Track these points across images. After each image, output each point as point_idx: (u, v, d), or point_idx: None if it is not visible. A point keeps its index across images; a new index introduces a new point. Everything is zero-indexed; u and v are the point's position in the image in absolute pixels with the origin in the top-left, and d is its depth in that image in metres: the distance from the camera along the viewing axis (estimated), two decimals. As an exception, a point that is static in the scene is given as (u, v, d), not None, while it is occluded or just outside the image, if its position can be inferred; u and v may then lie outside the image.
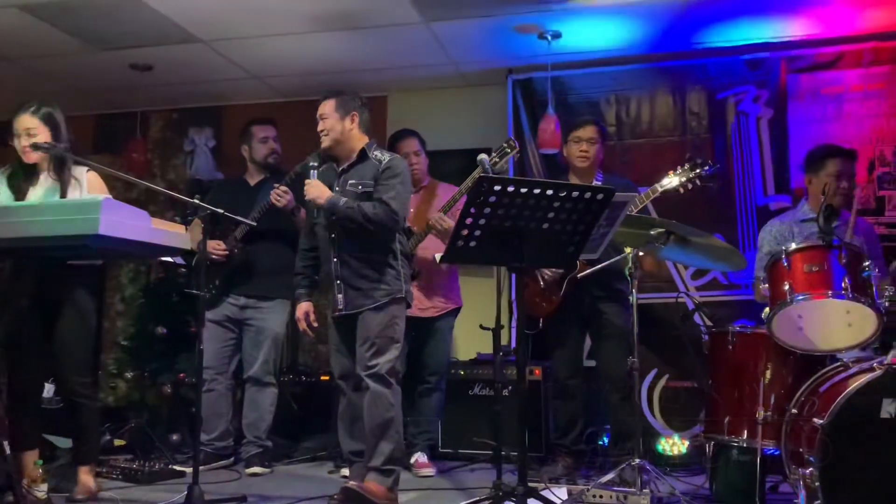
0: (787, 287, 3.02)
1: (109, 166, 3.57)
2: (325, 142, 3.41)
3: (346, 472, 3.69)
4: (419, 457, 4.16)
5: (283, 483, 3.90)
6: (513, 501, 2.72)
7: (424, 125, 4.70)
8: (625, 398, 3.77)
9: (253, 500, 3.44)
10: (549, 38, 4.66)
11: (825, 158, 3.73)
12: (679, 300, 4.44)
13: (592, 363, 4.26)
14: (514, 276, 3.64)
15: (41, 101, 3.31)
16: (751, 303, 4.44)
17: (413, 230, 4.04)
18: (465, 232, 2.66)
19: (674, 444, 4.36)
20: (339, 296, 3.34)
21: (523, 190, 2.59)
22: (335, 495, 3.16)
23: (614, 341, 3.92)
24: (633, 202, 3.68)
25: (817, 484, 2.66)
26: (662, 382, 4.63)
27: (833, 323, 3.02)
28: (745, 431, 3.18)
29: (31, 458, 3.25)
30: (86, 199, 3.14)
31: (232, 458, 4.32)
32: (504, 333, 3.90)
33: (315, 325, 3.53)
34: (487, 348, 3.84)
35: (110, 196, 3.12)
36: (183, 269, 5.28)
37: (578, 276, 3.84)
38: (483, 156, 3.19)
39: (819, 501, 2.66)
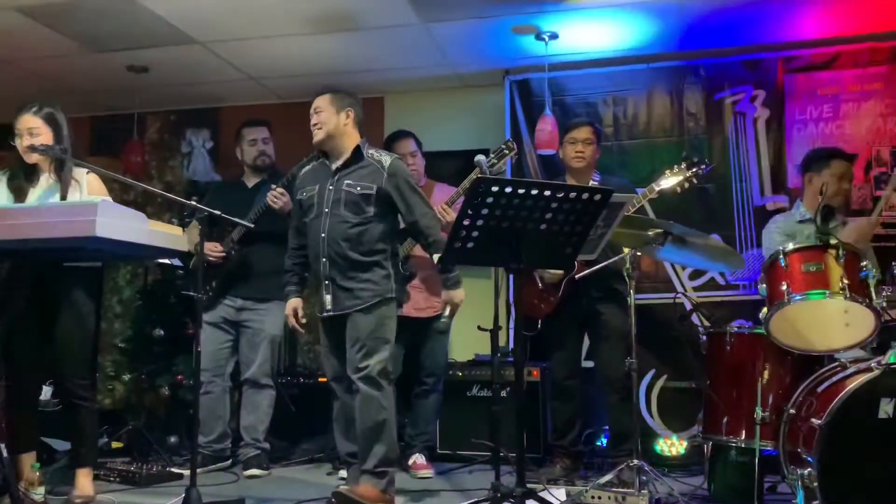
0: (784, 287, 3.02)
1: (106, 168, 3.55)
2: (318, 135, 3.36)
3: (344, 473, 3.68)
4: (417, 458, 4.16)
5: (281, 485, 3.89)
6: (511, 503, 2.72)
7: (421, 126, 4.68)
8: (623, 399, 3.77)
9: (251, 503, 3.43)
10: (547, 39, 4.65)
11: (830, 158, 3.76)
12: (677, 301, 4.43)
13: (591, 364, 4.27)
14: (511, 276, 3.64)
15: (43, 101, 3.32)
16: (749, 303, 4.45)
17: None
18: (463, 233, 2.65)
19: (672, 445, 4.37)
20: (328, 296, 3.30)
21: (521, 191, 2.58)
22: (328, 500, 3.15)
23: (612, 342, 3.91)
24: (631, 202, 3.68)
25: (815, 484, 2.66)
26: (660, 383, 4.63)
27: (831, 323, 3.02)
28: (744, 432, 3.18)
29: (29, 461, 3.25)
30: (83, 201, 3.14)
31: (230, 461, 4.30)
32: (502, 334, 3.89)
33: (303, 321, 3.47)
34: (485, 349, 3.84)
35: (109, 198, 3.12)
36: (180, 271, 5.25)
37: (576, 276, 3.84)
38: (481, 157, 3.18)
39: (817, 501, 2.66)
